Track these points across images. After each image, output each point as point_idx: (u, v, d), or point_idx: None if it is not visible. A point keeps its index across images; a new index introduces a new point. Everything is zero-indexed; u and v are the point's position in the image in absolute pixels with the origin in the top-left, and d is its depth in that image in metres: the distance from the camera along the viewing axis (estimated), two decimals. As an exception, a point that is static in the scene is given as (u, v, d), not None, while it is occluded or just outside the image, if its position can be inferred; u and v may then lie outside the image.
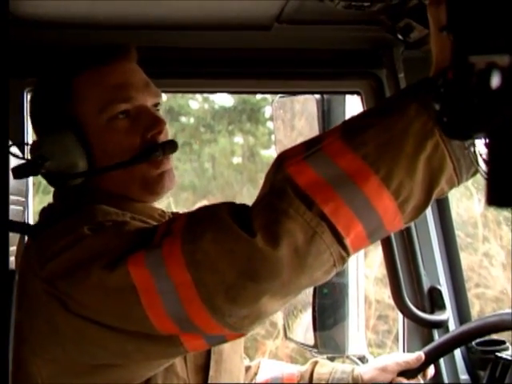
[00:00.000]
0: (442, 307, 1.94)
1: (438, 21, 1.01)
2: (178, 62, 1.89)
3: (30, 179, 1.80)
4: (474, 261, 4.57)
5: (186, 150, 5.86)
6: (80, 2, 1.65)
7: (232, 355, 1.44)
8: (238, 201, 1.17)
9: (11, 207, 1.57)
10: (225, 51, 1.89)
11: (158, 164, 1.38)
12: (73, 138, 1.35)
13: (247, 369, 1.72)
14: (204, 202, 4.84)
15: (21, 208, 1.63)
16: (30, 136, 1.93)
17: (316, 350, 2.09)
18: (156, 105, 1.42)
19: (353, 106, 2.08)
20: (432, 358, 1.73)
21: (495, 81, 0.78)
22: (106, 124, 1.35)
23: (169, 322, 1.12)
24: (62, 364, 1.24)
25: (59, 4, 1.68)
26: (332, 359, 2.11)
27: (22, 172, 1.36)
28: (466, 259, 4.20)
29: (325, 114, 2.11)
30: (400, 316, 2.00)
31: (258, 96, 5.82)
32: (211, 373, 1.37)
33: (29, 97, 1.91)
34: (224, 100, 6.06)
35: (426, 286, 1.96)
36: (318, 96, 2.11)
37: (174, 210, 1.54)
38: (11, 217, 1.51)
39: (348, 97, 2.08)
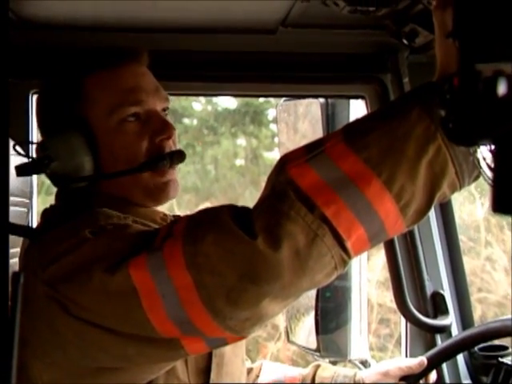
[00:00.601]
0: (445, 312, 1.94)
1: (444, 25, 1.01)
2: (182, 64, 1.89)
3: (34, 181, 1.80)
4: (476, 265, 4.56)
5: (188, 152, 5.85)
6: (86, 4, 1.65)
7: (233, 358, 1.44)
8: (241, 203, 1.17)
9: (15, 209, 1.57)
10: (229, 54, 1.89)
11: (164, 173, 1.38)
12: (81, 139, 1.35)
13: (249, 371, 1.72)
14: (206, 204, 4.84)
15: (25, 210, 1.63)
16: (34, 138, 1.93)
17: (318, 354, 2.09)
18: (165, 109, 1.42)
19: (357, 110, 2.08)
20: (434, 363, 1.73)
21: (502, 88, 0.78)
22: (115, 126, 1.36)
23: (170, 325, 1.12)
24: (62, 367, 1.24)
25: (64, 6, 1.68)
26: (334, 363, 2.11)
27: (25, 170, 1.36)
28: (468, 264, 4.20)
29: (329, 117, 2.11)
30: (403, 320, 2.00)
31: (262, 98, 5.82)
32: (212, 376, 1.37)
33: (34, 98, 1.91)
34: (227, 102, 6.07)
35: (429, 290, 1.96)
36: (322, 100, 2.11)
37: (177, 212, 1.54)
38: (15, 219, 1.52)
39: (352, 101, 2.09)
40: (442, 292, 1.96)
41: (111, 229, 1.23)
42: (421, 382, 1.72)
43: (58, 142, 1.36)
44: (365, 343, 2.17)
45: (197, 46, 1.87)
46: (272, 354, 5.05)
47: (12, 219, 0.97)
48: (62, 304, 1.18)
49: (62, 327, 1.20)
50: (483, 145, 0.98)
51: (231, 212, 1.10)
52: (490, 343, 1.88)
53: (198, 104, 6.16)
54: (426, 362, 1.71)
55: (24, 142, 1.54)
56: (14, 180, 1.38)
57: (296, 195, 1.03)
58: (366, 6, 1.58)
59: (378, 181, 1.02)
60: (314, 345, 2.08)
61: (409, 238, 1.96)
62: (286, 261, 1.03)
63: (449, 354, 1.77)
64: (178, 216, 1.45)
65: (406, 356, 1.97)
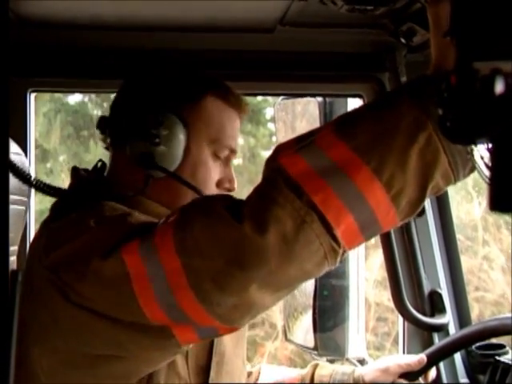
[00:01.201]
0: (443, 311, 1.95)
1: (438, 21, 1.01)
2: (181, 63, 1.89)
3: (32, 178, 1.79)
4: (473, 264, 4.57)
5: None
6: (85, 2, 1.65)
7: (234, 358, 1.44)
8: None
9: (13, 207, 1.57)
10: (227, 53, 1.89)
11: None
12: (185, 139, 1.41)
13: (248, 374, 1.72)
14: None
15: (23, 208, 1.63)
16: (32, 135, 1.93)
17: (316, 352, 2.09)
18: None
19: (355, 108, 2.08)
20: (434, 360, 1.73)
21: (499, 87, 0.78)
22: (208, 153, 1.45)
23: (160, 312, 1.12)
24: (61, 354, 1.25)
25: (63, 4, 1.68)
26: (331, 362, 2.12)
27: (130, 125, 1.42)
28: (465, 262, 4.20)
29: (327, 116, 2.11)
30: (400, 319, 2.00)
31: (259, 97, 5.82)
32: (212, 374, 1.38)
33: (32, 96, 1.91)
34: (225, 101, 6.05)
35: (426, 289, 1.96)
36: (320, 98, 2.11)
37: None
38: (13, 217, 1.52)
39: (350, 100, 2.09)
40: (439, 291, 1.96)
41: (113, 217, 1.25)
42: (420, 379, 1.72)
43: (173, 130, 1.40)
44: (362, 342, 2.17)
45: (194, 45, 1.87)
46: (270, 353, 5.06)
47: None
48: (62, 290, 1.20)
49: (62, 313, 1.21)
50: (481, 143, 0.99)
51: (223, 201, 1.11)
52: (487, 342, 1.88)
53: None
54: (425, 359, 1.70)
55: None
56: (11, 178, 1.38)
57: (285, 182, 1.04)
58: (363, 4, 1.58)
59: (367, 169, 1.02)
60: (311, 343, 2.09)
61: (406, 237, 1.96)
62: (272, 245, 1.03)
63: (448, 351, 1.77)
64: None
65: (404, 354, 1.97)
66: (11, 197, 1.53)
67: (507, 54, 0.77)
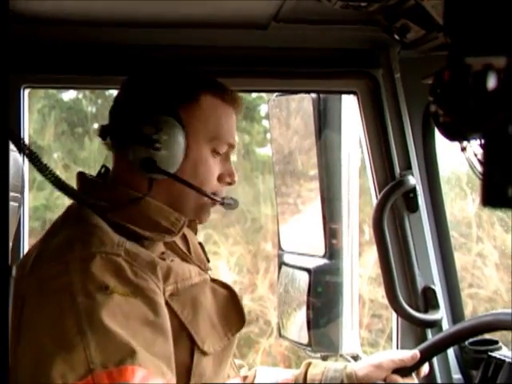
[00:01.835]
0: (436, 307, 1.95)
1: None
2: (175, 60, 1.89)
3: (26, 175, 1.79)
4: (467, 261, 4.58)
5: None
6: (79, -1, 1.65)
7: (214, 379, 1.44)
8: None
9: (7, 203, 1.57)
10: (221, 49, 1.89)
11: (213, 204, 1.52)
12: (184, 141, 1.43)
13: (244, 378, 1.72)
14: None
15: (16, 204, 1.63)
16: (26, 131, 1.93)
17: (310, 349, 2.10)
18: None
19: (349, 105, 2.09)
20: (427, 356, 1.74)
21: (491, 82, 0.79)
22: (208, 151, 1.48)
23: None
24: None
25: (58, 1, 1.68)
26: (325, 358, 2.12)
27: (125, 134, 1.44)
28: (459, 259, 4.21)
29: (321, 113, 2.12)
30: (394, 315, 2.00)
31: (254, 94, 5.82)
32: None
33: (26, 92, 1.91)
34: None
35: (420, 285, 1.96)
36: (314, 95, 2.12)
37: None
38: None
39: (344, 96, 2.09)
40: (432, 287, 1.97)
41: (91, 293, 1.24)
42: (413, 374, 1.72)
43: (171, 134, 1.42)
44: (356, 338, 2.18)
45: (188, 41, 1.87)
46: (264, 350, 5.06)
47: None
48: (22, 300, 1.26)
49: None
50: (474, 139, 0.99)
51: None
52: (480, 337, 1.89)
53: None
54: (418, 354, 1.71)
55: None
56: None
57: None
58: (357, 1, 1.58)
59: None
60: (305, 340, 2.10)
61: (400, 233, 1.96)
62: None
63: (441, 346, 1.77)
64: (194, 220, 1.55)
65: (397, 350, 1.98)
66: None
67: (499, 50, 0.77)
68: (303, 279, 2.15)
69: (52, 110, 5.76)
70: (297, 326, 2.18)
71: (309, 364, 1.75)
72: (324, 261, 2.16)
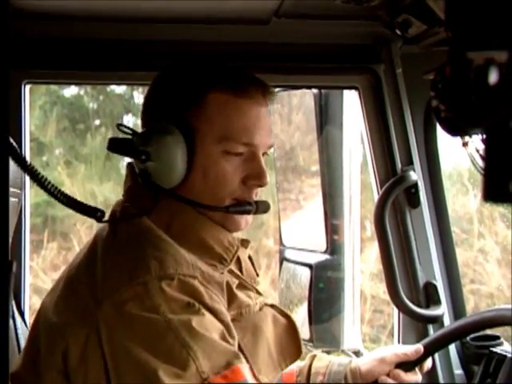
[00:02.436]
0: (438, 302, 1.95)
1: None
2: (176, 55, 1.89)
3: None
4: (469, 257, 4.58)
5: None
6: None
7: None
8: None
9: (8, 199, 1.57)
10: (222, 45, 1.89)
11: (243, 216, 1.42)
12: (183, 149, 1.35)
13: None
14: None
15: (16, 200, 1.63)
16: (27, 127, 1.93)
17: (311, 344, 2.10)
18: (265, 153, 1.43)
19: (350, 100, 2.08)
20: (430, 350, 1.73)
21: (493, 77, 0.78)
22: (218, 153, 1.37)
23: None
24: None
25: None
26: (327, 353, 2.12)
27: (117, 147, 1.37)
28: (461, 255, 4.21)
29: (322, 108, 2.12)
30: (395, 311, 2.00)
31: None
32: None
33: (27, 88, 1.91)
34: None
35: (421, 281, 1.96)
36: (315, 90, 2.11)
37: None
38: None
39: (346, 92, 2.09)
40: (434, 282, 1.97)
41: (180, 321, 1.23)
42: (416, 369, 1.72)
43: (161, 144, 1.34)
44: (358, 333, 2.18)
45: (189, 37, 1.87)
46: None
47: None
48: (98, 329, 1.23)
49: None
50: (475, 134, 0.99)
51: None
52: (482, 333, 1.89)
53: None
54: (422, 349, 1.70)
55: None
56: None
57: None
58: (359, -4, 1.58)
59: None
60: (307, 335, 2.09)
61: (402, 229, 1.96)
62: None
63: (445, 341, 1.77)
64: (245, 240, 1.47)
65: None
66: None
67: (501, 44, 0.77)
68: (305, 275, 2.15)
69: (54, 106, 5.76)
70: (298, 322, 2.18)
71: (314, 357, 1.75)
72: (325, 256, 2.16)
